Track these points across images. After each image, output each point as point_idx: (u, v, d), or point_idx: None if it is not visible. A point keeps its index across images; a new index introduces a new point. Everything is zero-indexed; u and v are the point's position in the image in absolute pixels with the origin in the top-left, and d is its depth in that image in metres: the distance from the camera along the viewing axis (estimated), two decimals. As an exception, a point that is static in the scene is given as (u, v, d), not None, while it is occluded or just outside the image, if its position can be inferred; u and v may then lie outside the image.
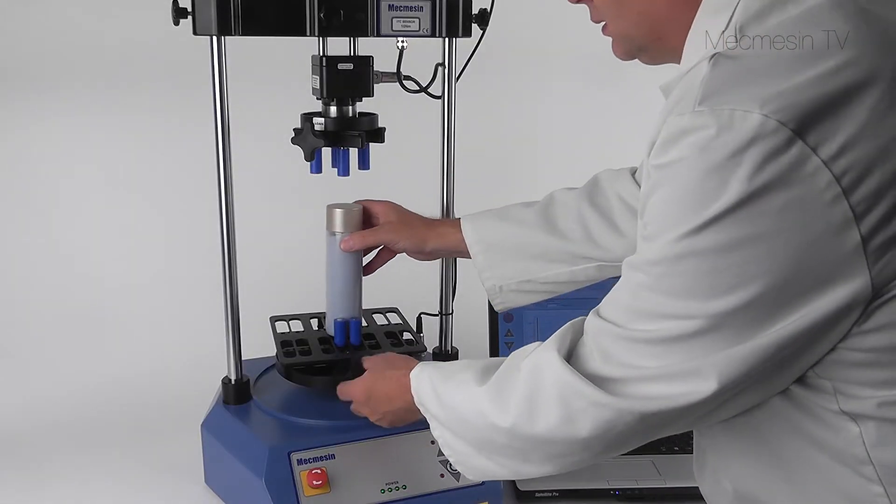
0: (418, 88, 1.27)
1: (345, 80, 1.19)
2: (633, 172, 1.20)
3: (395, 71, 1.23)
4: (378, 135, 1.26)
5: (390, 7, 1.19)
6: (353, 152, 1.26)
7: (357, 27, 1.18)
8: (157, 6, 1.14)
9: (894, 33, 0.71)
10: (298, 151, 1.21)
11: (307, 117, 1.22)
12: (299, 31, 1.16)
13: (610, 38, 0.90)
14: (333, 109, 1.22)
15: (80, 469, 1.34)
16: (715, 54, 0.72)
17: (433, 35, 1.23)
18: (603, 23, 0.90)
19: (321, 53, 1.20)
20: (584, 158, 1.96)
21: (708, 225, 0.68)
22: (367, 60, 1.21)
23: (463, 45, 1.27)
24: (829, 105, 0.66)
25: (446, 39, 1.25)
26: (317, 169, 1.24)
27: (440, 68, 1.27)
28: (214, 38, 1.12)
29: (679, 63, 0.83)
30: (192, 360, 1.59)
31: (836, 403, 0.75)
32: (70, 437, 1.44)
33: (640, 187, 1.07)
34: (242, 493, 1.18)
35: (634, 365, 0.76)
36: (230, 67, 1.14)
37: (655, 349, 0.75)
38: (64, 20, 1.79)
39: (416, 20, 1.21)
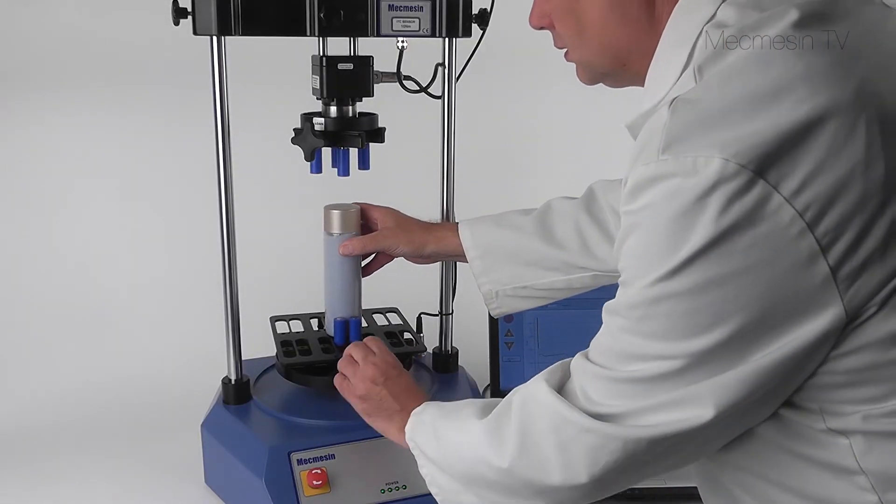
0: (418, 88, 1.27)
1: (345, 80, 1.19)
2: None
3: (395, 71, 1.23)
4: (378, 135, 1.26)
5: (390, 7, 1.19)
6: (353, 152, 1.26)
7: (357, 27, 1.18)
8: (157, 6, 1.14)
9: (846, 64, 0.72)
10: (298, 151, 1.21)
11: (307, 117, 1.22)
12: (299, 31, 1.16)
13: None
14: (333, 109, 1.22)
15: (79, 469, 1.34)
16: (674, 99, 0.73)
17: (433, 35, 1.23)
18: (565, 49, 0.91)
19: (321, 53, 1.20)
20: (585, 159, 1.97)
21: (680, 268, 0.70)
22: (367, 60, 1.21)
23: (463, 45, 1.27)
24: (787, 143, 0.67)
25: (446, 39, 1.25)
26: (317, 169, 1.24)
27: (440, 68, 1.27)
28: (214, 38, 1.12)
29: (643, 85, 0.84)
30: (192, 360, 1.59)
31: (822, 422, 0.76)
32: (70, 436, 1.44)
33: None
34: (242, 493, 1.18)
35: (618, 404, 0.78)
36: (230, 67, 1.14)
37: (638, 388, 0.77)
38: (63, 20, 1.79)
39: (416, 20, 1.21)
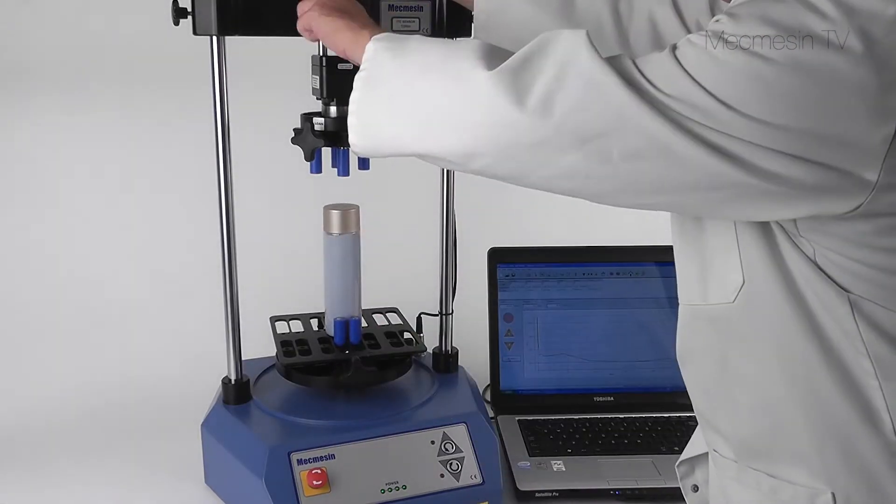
0: (418, 88, 1.26)
1: (345, 80, 1.19)
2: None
3: (395, 71, 1.23)
4: (378, 135, 1.26)
5: (390, 7, 1.19)
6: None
7: (357, 27, 1.18)
8: (157, 6, 1.14)
9: None
10: (298, 151, 1.21)
11: (307, 117, 1.22)
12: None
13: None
14: (333, 109, 1.22)
15: (80, 469, 1.34)
16: None
17: (433, 35, 1.23)
18: None
19: (321, 53, 1.20)
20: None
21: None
22: (367, 60, 1.21)
23: (463, 45, 1.27)
24: None
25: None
26: (317, 169, 1.24)
27: (440, 68, 1.27)
28: (214, 38, 1.12)
29: None
30: (192, 360, 1.59)
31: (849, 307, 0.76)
32: (70, 437, 1.44)
33: (678, 18, 1.04)
34: (242, 493, 1.18)
35: (673, 86, 0.71)
36: (230, 67, 1.14)
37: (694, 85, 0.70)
38: (63, 20, 1.79)
39: (416, 20, 1.21)
